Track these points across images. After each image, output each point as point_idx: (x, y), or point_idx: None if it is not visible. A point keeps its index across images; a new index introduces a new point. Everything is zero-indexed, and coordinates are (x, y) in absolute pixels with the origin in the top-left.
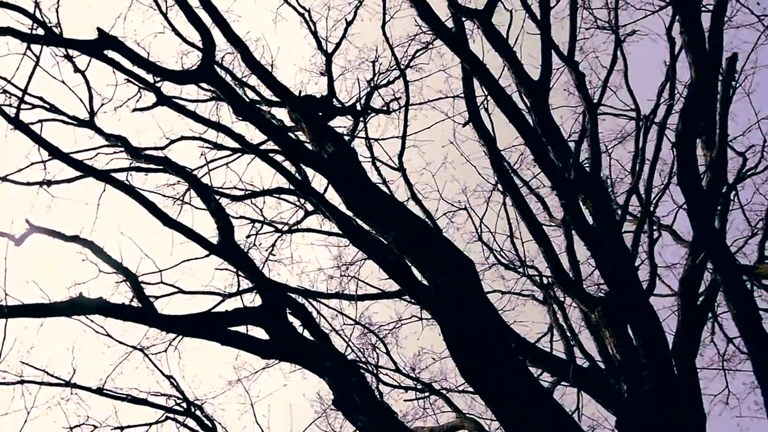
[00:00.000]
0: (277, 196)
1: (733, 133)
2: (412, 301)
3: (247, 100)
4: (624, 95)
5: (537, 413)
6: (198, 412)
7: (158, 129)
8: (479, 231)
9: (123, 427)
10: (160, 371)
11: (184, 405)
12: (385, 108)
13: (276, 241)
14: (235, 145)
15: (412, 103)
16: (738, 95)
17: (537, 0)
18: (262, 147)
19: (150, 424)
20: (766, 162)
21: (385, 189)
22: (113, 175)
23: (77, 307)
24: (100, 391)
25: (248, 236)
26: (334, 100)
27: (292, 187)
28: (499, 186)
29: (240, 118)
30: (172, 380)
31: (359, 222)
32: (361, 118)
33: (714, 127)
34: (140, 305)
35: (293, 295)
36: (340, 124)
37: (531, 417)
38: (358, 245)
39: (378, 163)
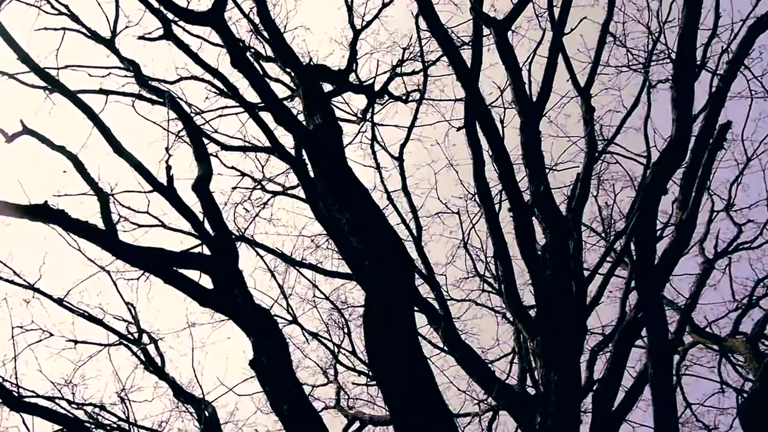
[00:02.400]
0: (271, 154)
1: (741, 203)
2: None
3: (265, 55)
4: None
5: (428, 420)
6: (151, 346)
7: (177, 63)
8: (465, 238)
9: (77, 341)
10: (121, 296)
11: (137, 334)
12: (404, 96)
13: (268, 201)
14: None
15: (427, 98)
16: (755, 167)
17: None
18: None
19: (104, 345)
20: (764, 239)
21: (377, 175)
22: (79, 96)
23: (37, 212)
24: (60, 302)
25: (234, 188)
26: (353, 76)
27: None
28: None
29: (236, 70)
30: (130, 307)
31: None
32: (376, 100)
33: (691, 189)
34: (102, 227)
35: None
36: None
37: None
38: (319, 219)
39: (377, 150)
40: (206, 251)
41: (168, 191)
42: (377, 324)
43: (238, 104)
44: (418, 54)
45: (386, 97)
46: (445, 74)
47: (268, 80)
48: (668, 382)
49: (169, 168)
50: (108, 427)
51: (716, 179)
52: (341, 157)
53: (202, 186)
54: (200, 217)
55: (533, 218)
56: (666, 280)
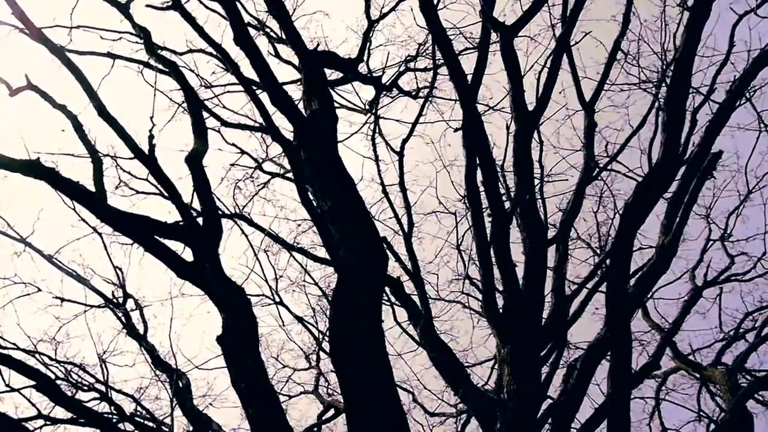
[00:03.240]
0: (266, 134)
1: (739, 235)
2: None
3: (280, 36)
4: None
5: (380, 412)
6: (137, 312)
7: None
8: (459, 240)
9: (63, 299)
10: (110, 259)
11: (122, 299)
12: (413, 92)
13: (268, 182)
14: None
15: (435, 96)
16: (757, 200)
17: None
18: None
19: (89, 306)
20: (757, 272)
21: (374, 167)
22: (68, 55)
23: (29, 168)
24: (49, 258)
25: (232, 164)
26: (363, 66)
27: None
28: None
29: (239, 47)
30: (118, 271)
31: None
32: (386, 94)
33: (676, 214)
34: (93, 189)
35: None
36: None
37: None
38: (305, 205)
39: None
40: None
41: (148, 160)
42: (343, 311)
43: (237, 82)
44: (430, 51)
45: (395, 91)
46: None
47: (281, 62)
48: (625, 407)
49: (151, 137)
50: (85, 387)
51: (716, 208)
52: (332, 145)
53: (195, 159)
54: (179, 188)
55: (519, 227)
56: (639, 303)
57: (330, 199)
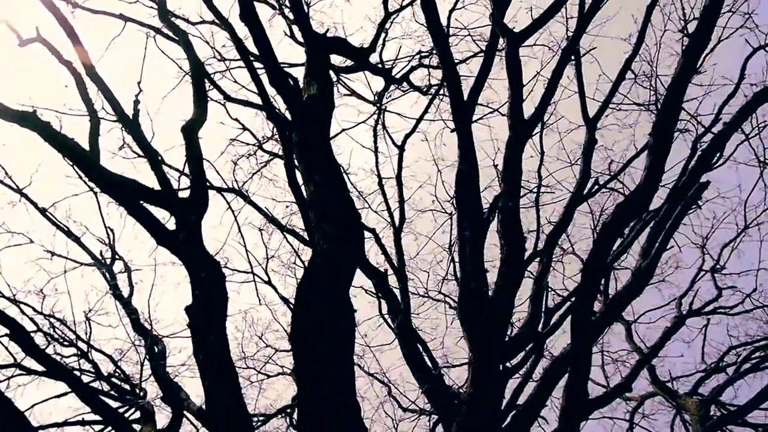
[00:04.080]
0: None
1: (734, 269)
2: None
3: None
4: None
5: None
6: (125, 275)
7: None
8: (451, 241)
9: (53, 252)
10: (103, 220)
11: (110, 260)
12: (424, 88)
13: (269, 161)
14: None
15: (442, 94)
16: (756, 236)
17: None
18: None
19: (79, 264)
20: (744, 308)
21: (372, 158)
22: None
23: (25, 119)
24: (43, 211)
25: (232, 140)
26: (375, 56)
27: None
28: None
29: (243, 23)
30: (109, 231)
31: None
32: (397, 87)
33: (656, 239)
34: (87, 148)
35: None
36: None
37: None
38: (291, 187)
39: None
40: (184, 193)
41: (131, 124)
42: (316, 298)
43: (239, 58)
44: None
45: (406, 85)
46: (466, 75)
47: (297, 43)
48: (575, 424)
49: (137, 102)
50: (66, 343)
51: (713, 238)
52: (325, 131)
53: (190, 129)
54: (161, 156)
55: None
56: (609, 324)
57: (315, 185)
